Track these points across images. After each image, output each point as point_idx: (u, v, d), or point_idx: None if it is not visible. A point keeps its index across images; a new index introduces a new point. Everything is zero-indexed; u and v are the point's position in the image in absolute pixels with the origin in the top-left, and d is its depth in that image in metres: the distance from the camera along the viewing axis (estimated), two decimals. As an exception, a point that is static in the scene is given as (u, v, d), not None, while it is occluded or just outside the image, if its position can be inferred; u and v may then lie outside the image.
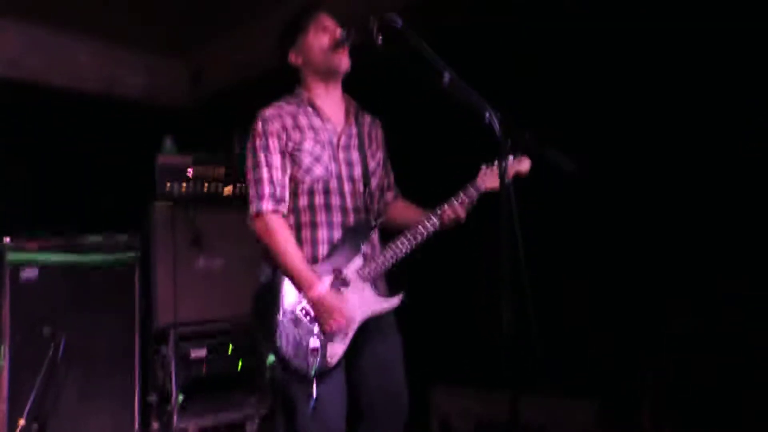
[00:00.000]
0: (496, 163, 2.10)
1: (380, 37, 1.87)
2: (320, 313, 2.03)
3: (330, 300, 2.03)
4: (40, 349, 3.40)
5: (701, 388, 2.50)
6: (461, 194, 2.16)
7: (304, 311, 2.04)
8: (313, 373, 1.98)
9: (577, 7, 2.94)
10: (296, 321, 2.03)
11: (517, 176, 2.14)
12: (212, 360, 3.89)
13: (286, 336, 2.00)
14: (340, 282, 2.09)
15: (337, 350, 2.04)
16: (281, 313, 2.02)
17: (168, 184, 3.87)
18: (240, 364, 3.98)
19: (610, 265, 2.95)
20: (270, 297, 2.05)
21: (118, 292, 3.75)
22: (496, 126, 1.71)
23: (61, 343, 3.44)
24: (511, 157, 2.13)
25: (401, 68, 1.85)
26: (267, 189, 2.09)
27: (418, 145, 3.45)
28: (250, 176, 2.14)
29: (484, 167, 2.20)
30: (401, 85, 2.81)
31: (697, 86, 2.65)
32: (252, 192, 2.12)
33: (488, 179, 2.18)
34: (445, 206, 2.15)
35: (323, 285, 2.04)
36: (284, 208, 2.13)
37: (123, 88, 4.98)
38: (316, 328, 2.03)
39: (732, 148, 2.57)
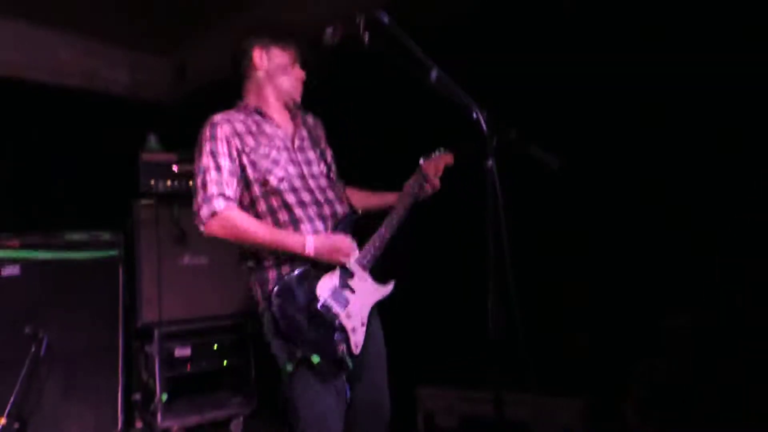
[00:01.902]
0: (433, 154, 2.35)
1: (367, 35, 1.86)
2: (327, 256, 2.05)
3: (325, 243, 2.05)
4: (22, 347, 3.36)
5: (687, 386, 2.52)
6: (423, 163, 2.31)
7: (324, 307, 2.01)
8: (350, 365, 1.99)
9: (571, 6, 2.94)
10: (317, 321, 1.99)
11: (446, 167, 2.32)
12: (197, 358, 3.87)
13: (308, 337, 1.97)
14: (347, 274, 2.09)
15: (359, 339, 2.05)
16: (301, 316, 1.99)
17: (152, 182, 3.84)
18: (225, 362, 3.97)
19: (599, 263, 2.96)
20: (284, 301, 2.00)
21: (102, 289, 3.72)
22: (483, 123, 1.72)
23: (43, 341, 3.40)
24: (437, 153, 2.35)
25: (388, 65, 1.84)
26: (215, 189, 2.04)
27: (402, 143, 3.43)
28: (198, 181, 2.08)
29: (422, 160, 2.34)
30: (387, 81, 2.80)
31: (700, 84, 2.65)
32: (200, 197, 2.05)
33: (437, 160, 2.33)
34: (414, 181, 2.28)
35: (309, 236, 2.05)
36: (234, 204, 2.08)
37: (106, 84, 4.92)
38: (337, 322, 2.01)
39: (732, 149, 2.59)
